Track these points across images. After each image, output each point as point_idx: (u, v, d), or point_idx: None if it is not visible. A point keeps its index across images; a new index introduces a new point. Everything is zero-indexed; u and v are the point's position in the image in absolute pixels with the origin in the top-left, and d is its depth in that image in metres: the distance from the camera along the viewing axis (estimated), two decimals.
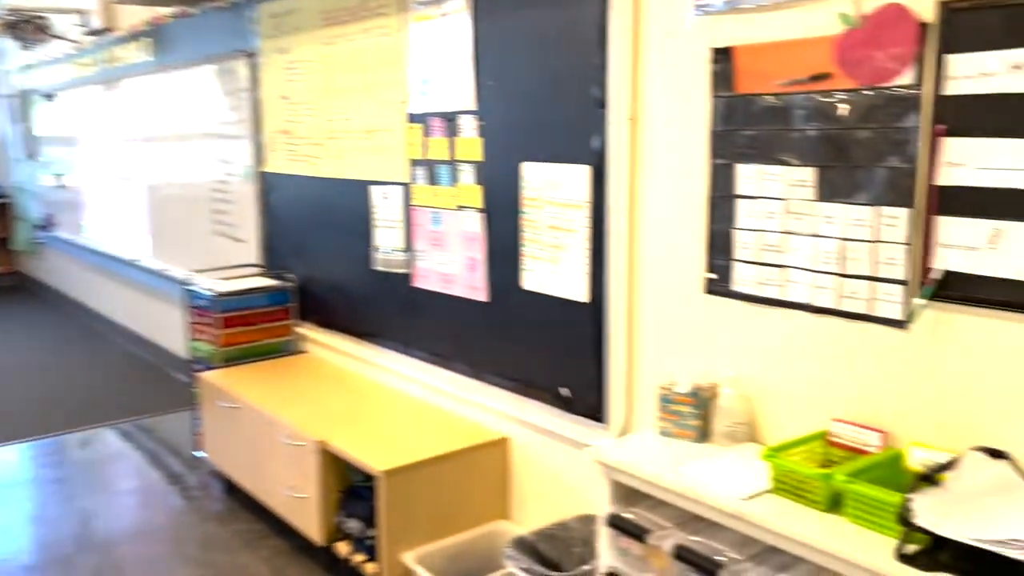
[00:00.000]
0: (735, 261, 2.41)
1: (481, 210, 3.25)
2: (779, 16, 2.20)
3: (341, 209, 4.04)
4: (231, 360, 4.22)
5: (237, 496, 4.04)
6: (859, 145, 2.06)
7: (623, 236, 2.73)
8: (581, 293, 2.89)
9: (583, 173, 2.82)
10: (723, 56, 2.36)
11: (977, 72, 1.82)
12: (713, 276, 2.48)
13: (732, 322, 2.45)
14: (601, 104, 2.72)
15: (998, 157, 1.80)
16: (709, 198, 2.46)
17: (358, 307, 4.02)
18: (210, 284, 4.36)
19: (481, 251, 3.27)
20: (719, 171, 2.42)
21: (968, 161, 1.86)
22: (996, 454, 1.84)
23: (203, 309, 4.29)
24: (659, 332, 2.68)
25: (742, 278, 2.40)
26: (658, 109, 2.58)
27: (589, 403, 2.90)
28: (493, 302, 3.27)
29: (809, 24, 2.13)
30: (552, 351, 3.03)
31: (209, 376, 4.08)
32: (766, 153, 2.28)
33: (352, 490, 3.29)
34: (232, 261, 4.93)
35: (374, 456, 3.05)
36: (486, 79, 3.15)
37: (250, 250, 4.84)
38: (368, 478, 3.09)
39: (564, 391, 3.00)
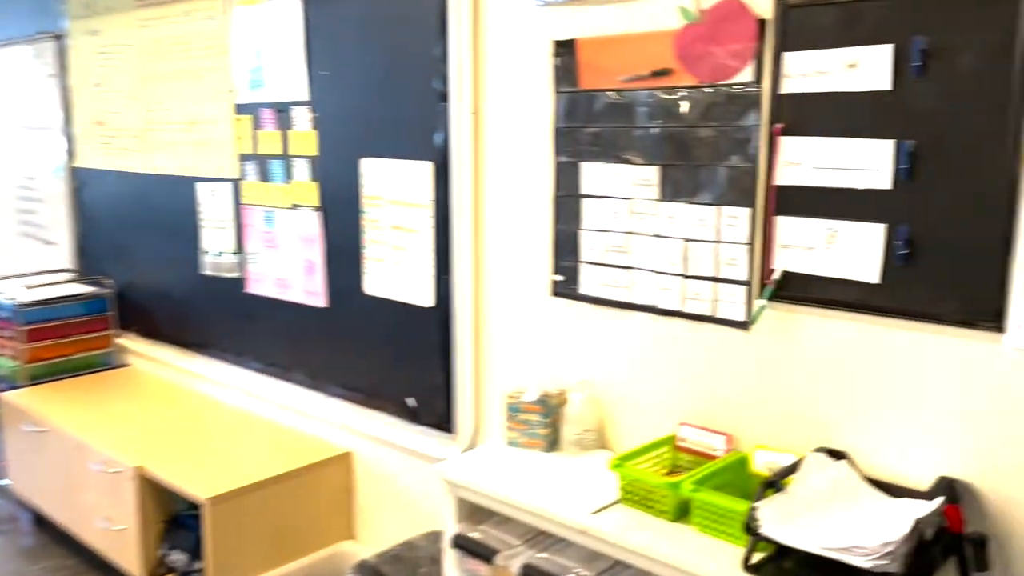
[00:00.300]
0: (582, 263, 2.33)
1: (318, 209, 3.02)
2: (620, 9, 2.13)
3: (164, 208, 3.69)
4: (38, 378, 3.77)
5: (48, 529, 3.61)
6: (701, 144, 2.02)
7: (468, 237, 2.59)
8: (426, 297, 2.73)
9: (425, 170, 2.66)
10: (565, 49, 2.26)
11: (813, 70, 1.80)
12: (559, 278, 2.39)
13: (580, 325, 2.36)
14: (443, 97, 2.57)
15: (833, 156, 1.80)
16: (555, 197, 2.36)
17: (185, 315, 3.68)
18: (13, 292, 3.87)
19: (319, 253, 3.05)
20: (564, 169, 2.32)
21: (805, 160, 1.84)
22: (836, 454, 1.83)
23: (4, 321, 3.80)
24: (507, 337, 2.56)
25: (589, 280, 2.31)
26: (502, 103, 2.46)
27: (436, 413, 2.75)
28: (333, 308, 3.05)
29: (650, 18, 2.07)
30: (397, 359, 2.85)
31: (12, 396, 3.61)
32: (610, 151, 2.20)
33: (176, 520, 2.98)
34: (41, 266, 4.42)
35: (199, 481, 2.77)
36: (319, 68, 2.92)
37: (62, 254, 4.36)
38: (194, 506, 2.79)
39: (410, 401, 2.83)
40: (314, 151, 2.99)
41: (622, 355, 2.27)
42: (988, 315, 1.63)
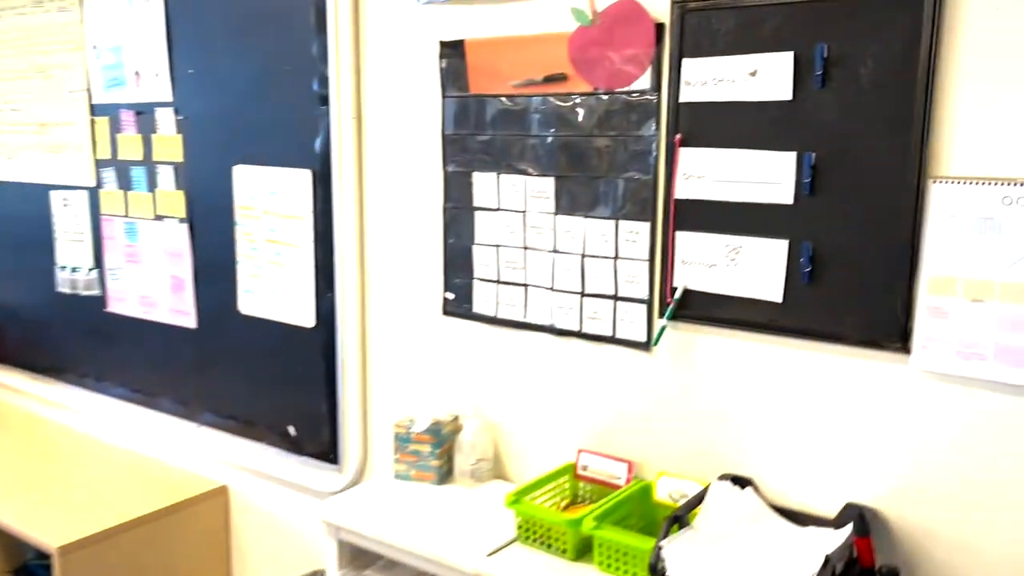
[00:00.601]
0: (475, 280, 2.17)
1: (185, 220, 2.75)
2: (510, 9, 1.99)
3: (12, 218, 3.31)
4: None
5: None
6: (598, 154, 1.90)
7: (352, 251, 2.39)
8: (307, 317, 2.51)
9: (304, 178, 2.45)
10: (453, 51, 2.10)
11: (713, 78, 1.71)
12: (451, 296, 2.23)
13: (473, 347, 2.21)
14: (323, 100, 2.37)
15: (735, 169, 1.71)
16: (445, 210, 2.20)
17: (38, 337, 3.32)
18: None
19: (187, 269, 2.78)
20: (454, 180, 2.16)
21: (706, 173, 1.75)
22: (741, 482, 1.75)
23: None
24: (396, 360, 2.38)
25: (483, 298, 2.16)
26: (386, 108, 2.28)
27: (320, 443, 2.54)
28: (204, 328, 2.79)
29: (542, 19, 1.94)
30: (276, 384, 2.62)
31: None
32: (503, 161, 2.06)
33: (26, 570, 2.65)
34: None
35: (51, 526, 2.46)
36: (185, 66, 2.66)
37: None
38: (44, 555, 2.48)
39: (291, 430, 2.60)
40: (180, 157, 2.72)
41: (518, 378, 2.13)
42: (894, 335, 1.57)
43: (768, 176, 1.67)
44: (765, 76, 1.64)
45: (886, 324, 1.58)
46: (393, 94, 2.26)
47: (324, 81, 2.35)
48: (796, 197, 1.64)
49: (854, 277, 1.60)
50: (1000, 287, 1.45)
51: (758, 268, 1.71)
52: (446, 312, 2.24)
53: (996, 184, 1.44)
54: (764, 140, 1.67)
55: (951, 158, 1.48)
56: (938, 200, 1.50)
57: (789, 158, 1.64)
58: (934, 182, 1.50)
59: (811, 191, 1.62)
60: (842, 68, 1.56)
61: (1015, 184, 1.42)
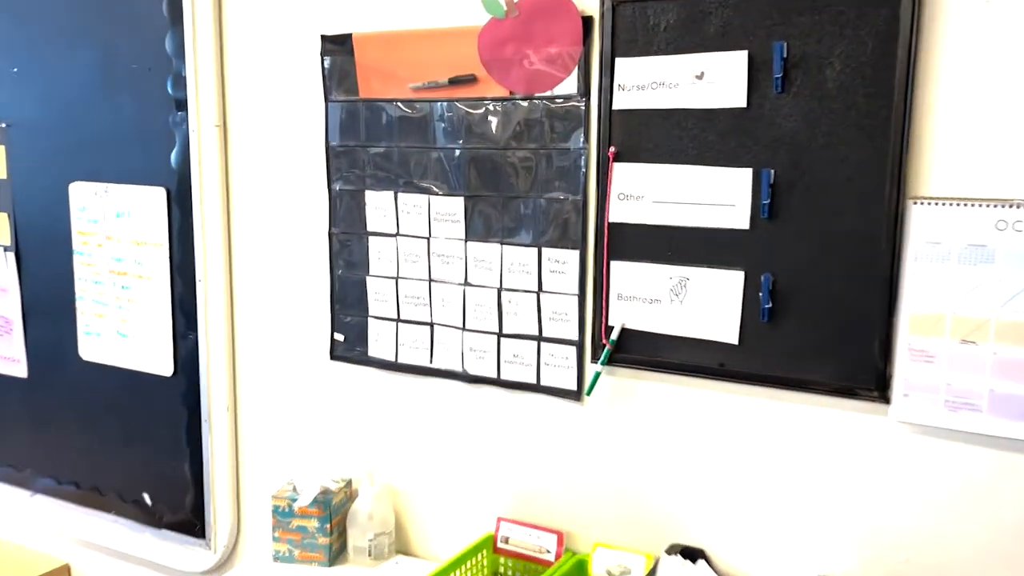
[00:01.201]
0: (370, 318, 1.83)
1: (10, 249, 2.28)
2: None
3: None
4: None
5: None
6: (516, 170, 1.61)
7: (219, 284, 2.00)
8: (164, 363, 2.10)
9: (158, 198, 2.04)
10: (339, 47, 1.76)
11: (651, 81, 1.45)
12: (340, 338, 1.88)
13: (369, 397, 1.86)
14: (180, 104, 1.98)
15: (679, 188, 1.45)
16: (332, 236, 1.85)
17: None
18: None
19: (14, 307, 2.30)
20: (343, 200, 1.82)
21: (644, 193, 1.49)
22: (692, 554, 1.49)
23: None
24: (274, 414, 2.00)
25: (379, 340, 1.83)
26: (257, 114, 1.91)
27: (182, 514, 2.12)
28: (38, 378, 2.32)
29: (446, 10, 1.63)
30: (128, 444, 2.19)
31: None
32: (402, 178, 1.73)
33: None
34: None
35: None
36: (7, 64, 2.20)
37: None
38: None
39: (146, 498, 2.18)
40: (3, 173, 2.25)
41: (424, 435, 1.80)
42: (870, 382, 1.35)
43: (719, 197, 1.42)
44: (714, 79, 1.40)
45: (861, 369, 1.35)
46: (265, 98, 1.89)
47: (181, 82, 1.96)
48: (753, 221, 1.40)
49: (822, 314, 1.37)
50: (996, 325, 1.25)
51: (709, 304, 1.45)
52: (335, 356, 1.89)
53: (988, 206, 1.24)
54: (714, 155, 1.42)
55: (934, 175, 1.27)
56: (919, 224, 1.28)
57: (744, 176, 1.40)
58: (914, 203, 1.28)
59: (770, 214, 1.38)
60: (805, 70, 1.33)
61: (1011, 206, 1.22)
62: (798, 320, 1.39)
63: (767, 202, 1.38)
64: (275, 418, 2.00)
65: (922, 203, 1.28)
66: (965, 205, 1.25)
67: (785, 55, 1.33)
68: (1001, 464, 1.28)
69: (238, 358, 2.04)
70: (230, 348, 2.03)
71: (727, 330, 1.45)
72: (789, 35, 1.33)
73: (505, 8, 1.55)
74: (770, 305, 1.40)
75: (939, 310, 1.28)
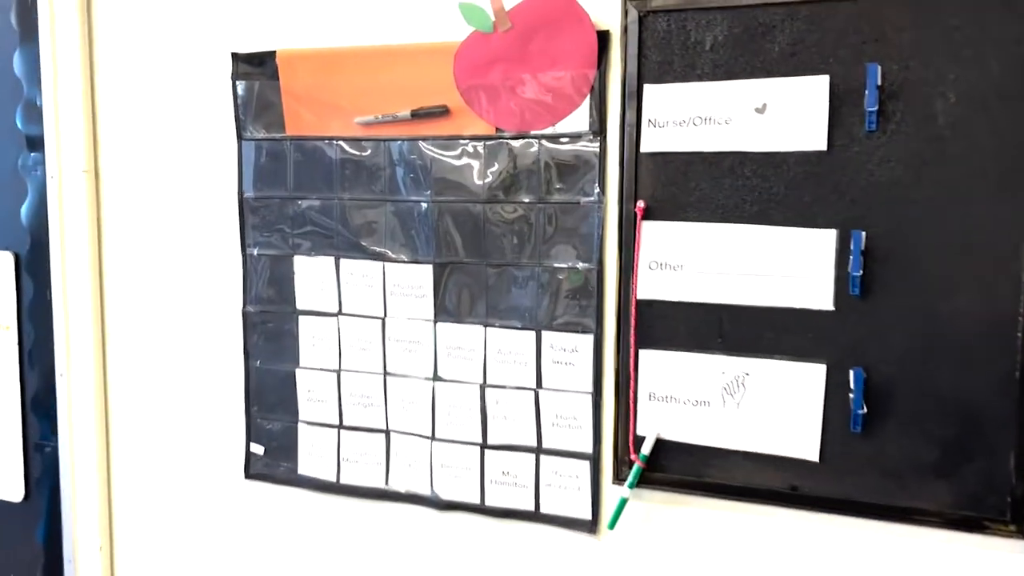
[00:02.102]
0: (302, 423, 1.38)
1: None
2: (354, 4, 1.27)
3: None
4: None
5: None
6: (506, 230, 1.22)
7: (88, 379, 1.51)
8: (11, 485, 1.57)
9: (3, 265, 1.53)
10: (257, 68, 1.34)
11: (692, 116, 1.10)
12: (259, 450, 1.42)
13: (300, 529, 1.40)
14: (33, 143, 1.49)
15: (733, 255, 1.10)
16: (247, 316, 1.40)
17: None
18: None
19: None
20: (263, 268, 1.38)
21: (685, 261, 1.13)
22: None
23: None
24: (166, 554, 1.51)
25: (314, 452, 1.38)
26: (141, 157, 1.45)
27: None
28: None
29: (410, 21, 1.24)
30: None
31: None
32: (347, 239, 1.31)
33: None
34: None
35: None
36: None
37: None
38: None
39: None
40: None
41: None
42: (1002, 510, 1.02)
43: (791, 266, 1.08)
44: (781, 113, 1.06)
45: (989, 493, 1.02)
46: (152, 135, 1.43)
47: (34, 114, 1.48)
48: (838, 299, 1.06)
49: (934, 421, 1.04)
50: None
51: (777, 408, 1.10)
52: (252, 475, 1.43)
53: None
54: (782, 211, 1.08)
55: None
56: None
57: (826, 239, 1.06)
58: None
59: (862, 290, 1.05)
60: (907, 102, 1.01)
61: None
62: (900, 429, 1.05)
63: (858, 274, 1.04)
64: (167, 559, 1.51)
65: None
66: None
67: (880, 82, 1.01)
68: None
69: (115, 477, 1.54)
70: (104, 463, 1.53)
71: (803, 443, 1.09)
72: (884, 56, 1.01)
73: (494, 19, 1.16)
74: (864, 410, 1.05)
75: None
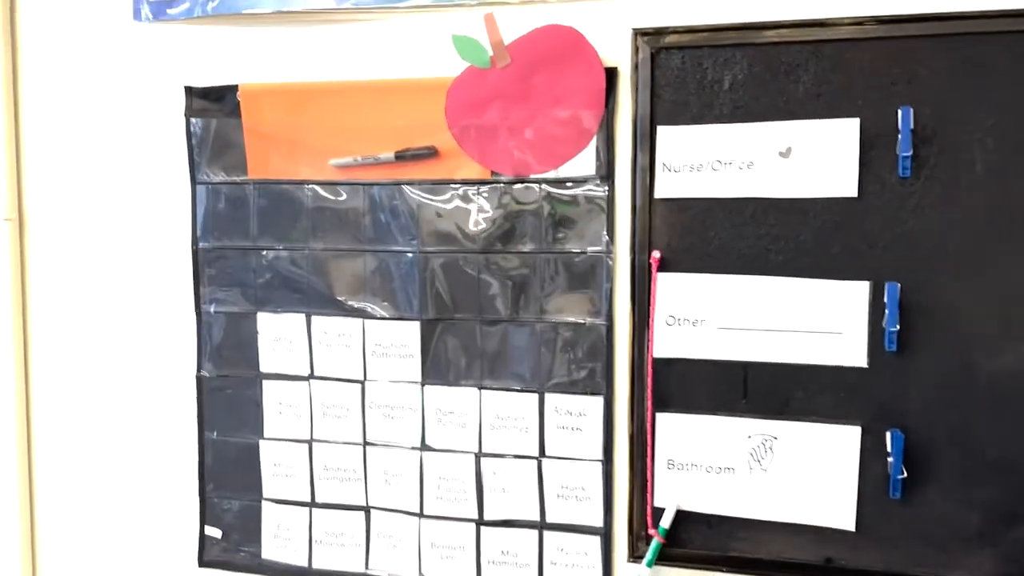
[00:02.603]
0: (266, 501, 1.23)
1: None
2: (329, 33, 1.15)
3: None
4: None
5: None
6: (503, 283, 1.11)
7: (7, 463, 1.31)
8: None
9: None
10: (214, 104, 1.19)
11: (711, 160, 1.02)
12: (216, 534, 1.25)
13: None
14: None
15: (757, 310, 1.02)
16: (201, 380, 1.24)
17: None
18: None
19: None
20: (220, 327, 1.22)
21: (706, 315, 1.04)
22: None
23: None
24: None
25: (281, 534, 1.22)
26: (78, 204, 1.28)
27: None
28: None
29: (394, 53, 1.12)
30: None
31: None
32: (319, 294, 1.17)
33: None
34: None
35: None
36: None
37: None
38: None
39: None
40: None
41: None
42: None
43: (821, 321, 1.00)
44: (808, 158, 0.99)
45: None
46: (89, 179, 1.27)
47: None
48: (872, 355, 0.99)
49: (976, 485, 0.97)
50: None
51: (809, 473, 1.02)
52: (207, 562, 1.26)
53: None
54: (810, 262, 1.00)
55: None
56: None
57: (858, 292, 0.99)
58: None
59: (898, 345, 0.98)
60: (943, 147, 0.96)
61: None
62: (941, 494, 0.98)
63: (894, 329, 0.97)
64: None
65: None
66: None
67: (913, 126, 0.95)
68: None
69: (39, 567, 1.33)
70: (29, 555, 1.33)
71: (838, 511, 1.01)
72: (917, 98, 0.96)
73: (491, 54, 1.06)
74: (903, 475, 0.98)
75: None
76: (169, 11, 1.19)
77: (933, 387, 0.98)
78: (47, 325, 1.30)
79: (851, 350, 1.00)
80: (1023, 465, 0.96)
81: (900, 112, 0.96)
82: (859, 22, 0.96)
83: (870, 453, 1.00)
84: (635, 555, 1.08)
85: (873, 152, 0.97)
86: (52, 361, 1.31)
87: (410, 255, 1.14)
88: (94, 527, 1.31)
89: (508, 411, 1.12)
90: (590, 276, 1.08)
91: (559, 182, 1.08)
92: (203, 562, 1.26)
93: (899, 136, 0.96)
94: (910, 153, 0.96)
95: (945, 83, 0.95)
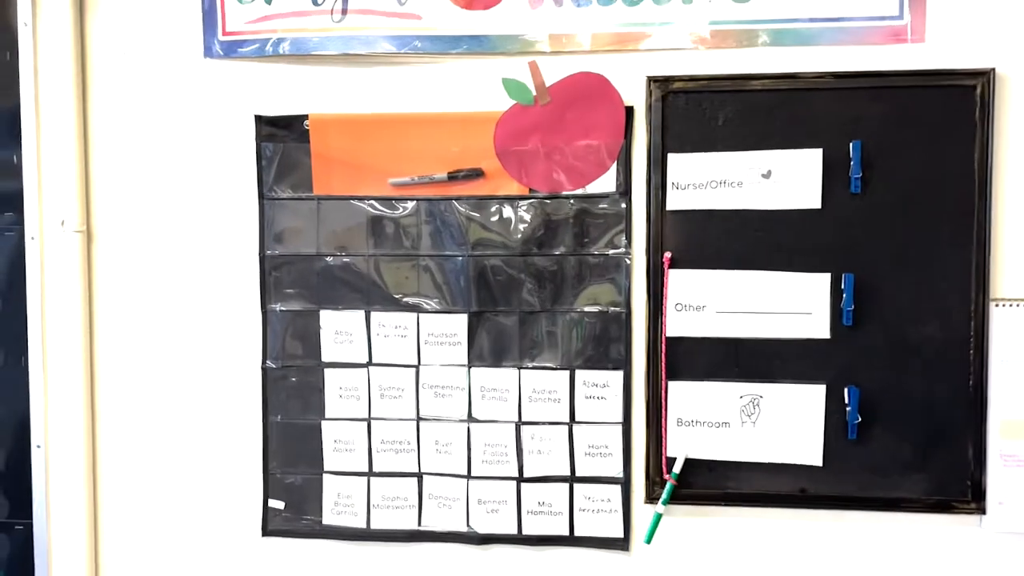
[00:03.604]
0: (327, 474, 1.41)
1: None
2: (391, 75, 1.36)
3: None
4: None
5: None
6: (539, 281, 1.35)
7: (75, 451, 1.44)
8: None
9: None
10: (284, 131, 1.38)
11: (710, 180, 1.30)
12: (278, 505, 1.42)
13: None
14: (10, 204, 1.43)
15: (747, 297, 1.30)
16: (267, 371, 1.41)
17: None
18: None
19: None
20: (285, 323, 1.41)
21: (707, 302, 1.32)
22: None
23: None
24: None
25: (340, 502, 1.41)
26: (147, 214, 1.43)
27: None
28: None
29: (447, 91, 1.35)
30: None
31: None
32: (378, 293, 1.38)
33: None
34: None
35: None
36: None
37: None
38: None
39: None
40: None
41: None
42: (964, 493, 1.28)
43: (794, 304, 1.30)
44: (784, 178, 1.29)
45: (954, 481, 1.28)
46: (163, 196, 1.42)
47: (10, 166, 1.42)
48: (834, 329, 1.29)
49: (912, 426, 1.29)
50: None
51: (787, 424, 1.31)
52: (270, 531, 1.43)
53: None
54: (786, 259, 1.30)
55: (1014, 276, 1.27)
56: (1003, 326, 1.27)
57: (822, 281, 1.29)
58: (996, 305, 1.27)
59: (853, 322, 1.28)
60: (882, 171, 1.27)
61: None
62: (887, 434, 1.29)
63: (850, 308, 1.28)
64: None
65: (1004, 304, 1.27)
66: None
67: (862, 155, 1.26)
68: None
69: (103, 551, 1.46)
70: (91, 538, 1.45)
71: (809, 451, 1.31)
72: (866, 134, 1.27)
73: (535, 94, 1.31)
74: (858, 420, 1.28)
75: None
76: (240, 50, 1.37)
77: (879, 352, 1.28)
78: (112, 323, 1.44)
79: (817, 326, 1.29)
80: (942, 409, 1.28)
81: (852, 145, 1.26)
82: (821, 76, 1.27)
83: (833, 405, 1.30)
84: (651, 498, 1.34)
85: (832, 174, 1.28)
86: (117, 358, 1.44)
87: (460, 259, 1.36)
88: (164, 506, 1.45)
89: (543, 386, 1.36)
90: (612, 273, 1.34)
91: (586, 197, 1.33)
92: (267, 531, 1.43)
93: (851, 162, 1.27)
94: (860, 175, 1.27)
95: (885, 123, 1.26)
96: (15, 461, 1.46)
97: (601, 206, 1.33)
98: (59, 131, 1.41)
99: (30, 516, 1.46)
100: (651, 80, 1.30)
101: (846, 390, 1.29)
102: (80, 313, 1.43)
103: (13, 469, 1.46)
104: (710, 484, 1.33)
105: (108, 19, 1.40)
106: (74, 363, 1.43)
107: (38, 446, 1.45)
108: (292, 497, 1.42)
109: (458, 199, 1.36)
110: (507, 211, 1.35)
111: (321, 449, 1.41)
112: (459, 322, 1.37)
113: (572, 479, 1.37)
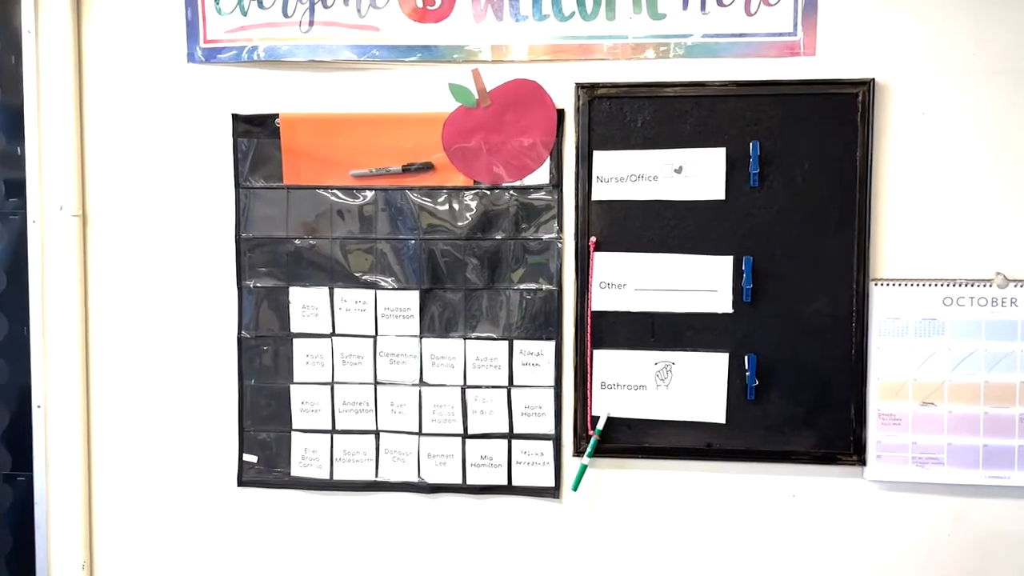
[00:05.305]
0: (295, 432, 1.60)
1: None
2: (353, 79, 1.54)
3: None
4: None
5: None
6: (481, 261, 1.54)
7: (70, 410, 1.62)
8: None
9: None
10: (257, 128, 1.57)
11: (630, 174, 1.49)
12: (252, 459, 1.61)
13: (295, 527, 1.61)
14: (14, 190, 1.60)
15: (661, 275, 1.50)
16: (242, 340, 1.60)
17: None
18: None
19: None
20: (258, 298, 1.59)
21: (627, 281, 1.51)
22: None
23: None
24: (158, 564, 1.64)
25: (307, 456, 1.60)
26: (136, 200, 1.61)
27: None
28: None
29: (403, 94, 1.53)
30: None
31: None
32: (339, 272, 1.56)
33: None
34: None
35: None
36: None
37: None
38: None
39: None
40: None
41: (373, 562, 1.59)
42: (847, 447, 1.48)
43: (702, 282, 1.49)
44: (693, 173, 1.48)
45: (839, 436, 1.48)
46: (148, 185, 1.60)
47: (14, 158, 1.59)
48: (735, 305, 1.49)
49: (802, 389, 1.48)
50: (948, 388, 1.46)
51: (695, 387, 1.50)
52: (244, 482, 1.61)
53: (936, 285, 1.45)
54: (694, 243, 1.49)
55: (891, 259, 1.46)
56: (881, 302, 1.46)
57: (725, 263, 1.48)
58: (876, 284, 1.46)
59: (751, 298, 1.48)
60: (777, 167, 1.46)
61: (954, 284, 1.45)
62: (781, 396, 1.49)
63: (749, 287, 1.47)
64: (158, 571, 1.64)
65: (882, 284, 1.46)
66: (918, 285, 1.45)
67: (759, 153, 1.46)
68: (957, 508, 1.47)
69: (96, 499, 1.64)
70: (85, 488, 1.64)
71: (714, 410, 1.50)
72: (763, 135, 1.46)
73: (477, 97, 1.50)
74: (756, 384, 1.48)
75: (902, 377, 1.46)
76: (219, 56, 1.56)
77: (774, 325, 1.48)
78: (105, 297, 1.62)
79: (722, 302, 1.49)
80: (828, 374, 1.47)
81: (751, 144, 1.46)
82: (725, 84, 1.46)
83: (734, 371, 1.49)
84: (578, 451, 1.53)
85: (734, 170, 1.47)
86: (110, 327, 1.62)
87: (412, 242, 1.55)
88: (150, 459, 1.63)
89: (486, 354, 1.55)
90: (545, 255, 1.53)
91: (523, 189, 1.52)
92: (241, 482, 1.61)
93: (751, 159, 1.46)
94: (757, 171, 1.46)
95: (779, 125, 1.46)
96: (18, 420, 1.63)
97: (536, 196, 1.52)
98: (58, 126, 1.58)
99: (31, 469, 1.63)
100: (579, 86, 1.49)
101: (746, 357, 1.48)
102: (76, 288, 1.60)
103: (16, 427, 1.63)
104: (629, 440, 1.52)
105: (103, 27, 1.58)
106: (71, 332, 1.60)
107: (38, 406, 1.62)
108: (264, 452, 1.61)
109: (411, 189, 1.54)
110: (454, 200, 1.54)
111: (290, 409, 1.60)
112: (412, 298, 1.56)
113: (510, 436, 1.56)
